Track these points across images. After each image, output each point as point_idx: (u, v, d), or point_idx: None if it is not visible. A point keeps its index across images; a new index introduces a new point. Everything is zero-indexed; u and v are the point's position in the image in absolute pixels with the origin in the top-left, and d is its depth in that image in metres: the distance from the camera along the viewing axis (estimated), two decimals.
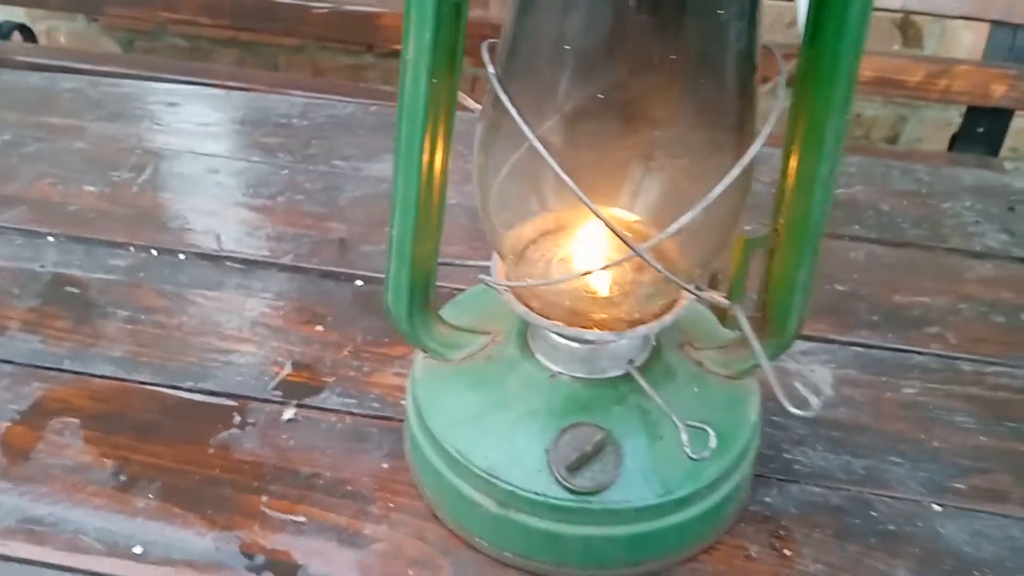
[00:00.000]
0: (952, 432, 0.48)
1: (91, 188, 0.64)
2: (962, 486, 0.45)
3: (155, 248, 0.59)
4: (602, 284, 0.40)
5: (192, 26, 1.37)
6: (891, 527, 0.43)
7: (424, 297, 0.41)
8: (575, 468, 0.38)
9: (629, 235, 0.33)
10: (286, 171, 0.66)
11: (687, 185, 0.38)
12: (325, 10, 1.27)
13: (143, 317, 0.53)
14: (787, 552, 0.42)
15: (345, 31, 1.29)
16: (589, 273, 0.37)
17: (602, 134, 0.36)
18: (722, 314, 0.42)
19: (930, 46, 1.45)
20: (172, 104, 0.74)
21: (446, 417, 0.41)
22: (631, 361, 0.41)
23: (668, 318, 0.39)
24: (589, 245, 0.41)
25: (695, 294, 0.37)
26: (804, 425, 0.48)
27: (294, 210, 0.63)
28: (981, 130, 1.22)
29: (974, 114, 1.21)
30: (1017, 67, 1.15)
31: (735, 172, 0.32)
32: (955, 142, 1.22)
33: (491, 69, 0.35)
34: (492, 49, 0.36)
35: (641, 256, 0.33)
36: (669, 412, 0.39)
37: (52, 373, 0.49)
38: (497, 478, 0.39)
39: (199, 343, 0.52)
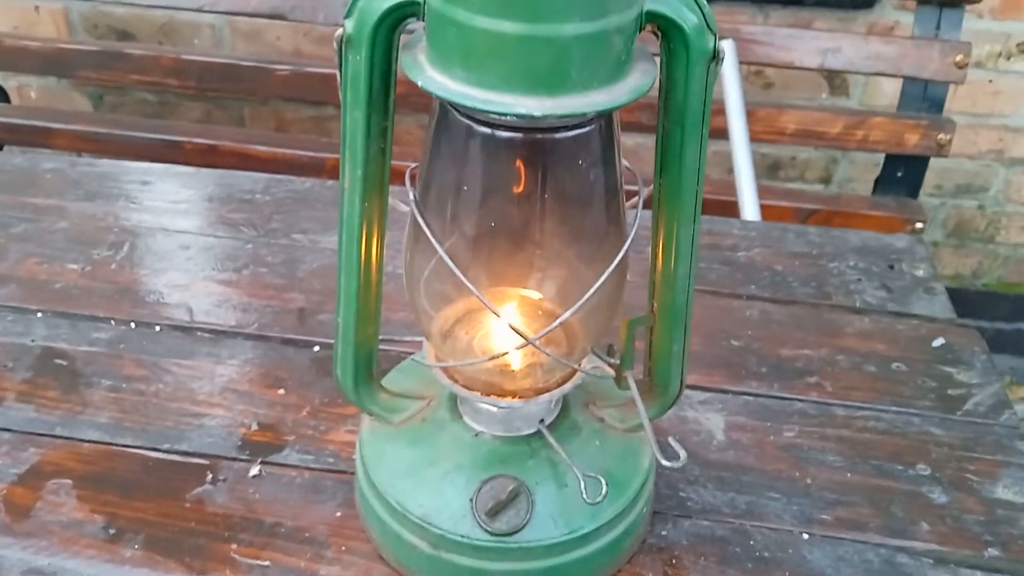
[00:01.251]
0: (822, 470, 0.57)
1: (74, 266, 0.71)
2: (828, 517, 0.54)
3: (134, 321, 0.66)
4: (514, 359, 0.48)
5: (160, 87, 1.45)
6: (766, 554, 0.52)
7: (367, 371, 0.49)
8: (493, 513, 0.46)
9: (525, 331, 0.41)
10: (250, 245, 0.74)
11: (576, 274, 0.46)
12: (287, 71, 1.35)
13: (124, 385, 0.61)
14: None
15: (306, 90, 1.37)
16: (497, 357, 0.45)
17: (501, 247, 0.45)
18: (617, 378, 0.50)
19: (855, 94, 1.56)
20: (145, 183, 0.81)
21: (387, 471, 0.49)
22: (542, 420, 0.49)
23: (567, 387, 0.47)
24: (502, 326, 0.49)
25: (583, 371, 0.46)
26: (698, 467, 0.57)
27: (258, 282, 0.70)
28: (900, 175, 1.33)
29: (892, 160, 1.31)
30: (929, 117, 1.26)
31: (600, 281, 0.41)
32: (877, 185, 1.33)
33: (412, 195, 0.43)
34: (413, 175, 0.44)
35: (534, 345, 0.41)
36: (571, 464, 0.47)
37: (46, 439, 0.56)
38: (430, 524, 0.47)
39: (175, 408, 0.59)
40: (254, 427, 0.58)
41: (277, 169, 1.13)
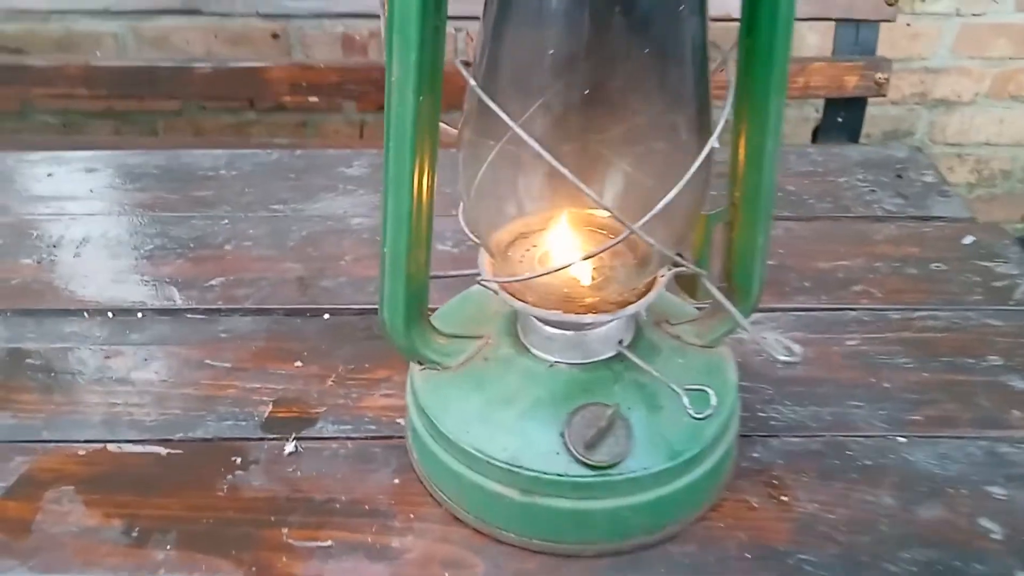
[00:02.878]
0: (896, 372, 0.54)
1: (28, 260, 0.62)
2: (918, 417, 0.51)
3: (110, 311, 0.58)
4: (585, 273, 0.43)
5: (68, 99, 1.33)
6: (867, 462, 0.48)
7: (419, 309, 0.43)
8: (592, 445, 0.41)
9: (621, 216, 0.36)
10: (226, 221, 0.66)
11: (650, 177, 0.41)
12: (207, 69, 1.26)
13: (113, 378, 0.53)
14: (784, 498, 0.46)
15: (229, 87, 1.28)
16: (590, 257, 0.39)
17: (574, 132, 0.39)
18: (691, 289, 0.45)
19: None
20: (91, 170, 0.72)
21: (457, 419, 0.43)
22: (620, 341, 0.44)
23: (652, 295, 0.42)
24: (566, 240, 0.44)
25: (681, 262, 0.41)
26: (770, 385, 0.53)
27: (244, 256, 0.63)
28: (840, 120, 1.33)
29: (832, 106, 1.31)
30: (864, 59, 1.26)
31: (706, 150, 0.36)
32: (817, 134, 1.33)
33: (471, 81, 0.38)
34: (467, 65, 0.39)
35: (636, 232, 0.36)
36: (667, 381, 0.42)
37: (33, 445, 0.48)
38: (519, 467, 0.41)
39: (178, 395, 0.52)
40: (275, 404, 0.51)
41: None
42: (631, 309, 0.42)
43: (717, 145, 0.36)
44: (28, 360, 0.54)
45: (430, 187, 0.40)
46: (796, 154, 0.76)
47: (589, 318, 0.41)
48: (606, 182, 0.42)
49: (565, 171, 0.35)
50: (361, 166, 0.74)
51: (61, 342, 0.55)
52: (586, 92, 0.37)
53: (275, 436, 0.49)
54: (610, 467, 0.41)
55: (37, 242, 0.64)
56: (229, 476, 0.46)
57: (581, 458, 0.40)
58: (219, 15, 1.32)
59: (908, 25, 1.57)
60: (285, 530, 0.43)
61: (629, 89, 0.37)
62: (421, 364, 0.45)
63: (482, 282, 0.42)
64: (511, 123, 0.35)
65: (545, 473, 0.41)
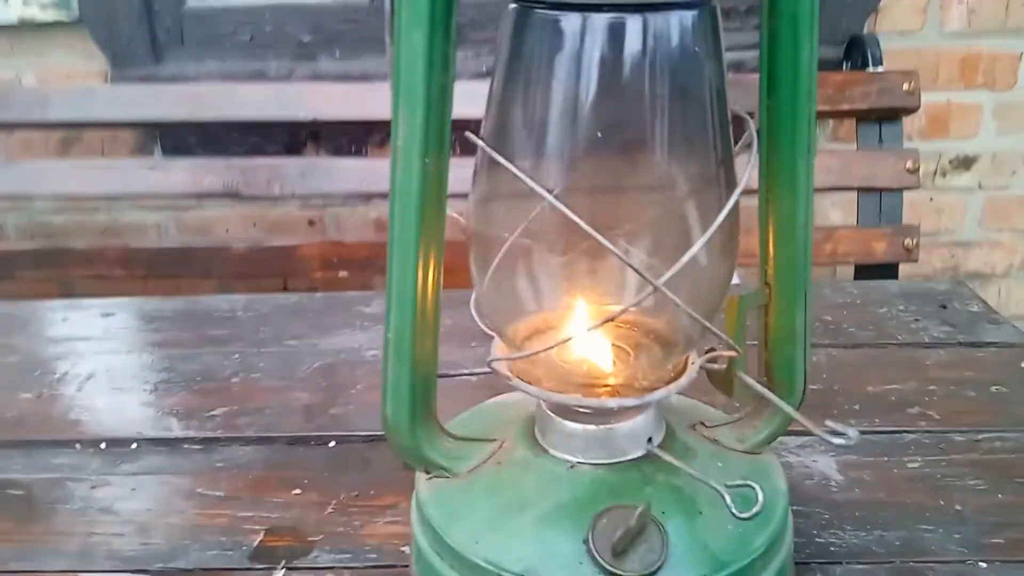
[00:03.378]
0: (969, 496, 0.47)
1: (27, 395, 0.59)
2: (1000, 541, 0.44)
3: (104, 441, 0.54)
4: (605, 355, 0.39)
5: (105, 280, 1.36)
6: None
7: (426, 403, 0.39)
8: (621, 552, 0.35)
9: (643, 272, 0.33)
10: (237, 355, 0.64)
11: (673, 241, 0.38)
12: (243, 248, 1.29)
13: (95, 508, 0.48)
14: None
15: (263, 265, 1.30)
16: (606, 322, 0.35)
17: (590, 198, 0.37)
18: (726, 386, 0.41)
19: None
20: (107, 315, 0.71)
21: (465, 530, 0.38)
22: (650, 440, 0.39)
23: (683, 380, 0.38)
24: (587, 330, 0.40)
25: (711, 328, 0.36)
26: (825, 509, 0.46)
27: (251, 387, 0.60)
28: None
29: (862, 274, 1.29)
30: (891, 225, 1.26)
31: (733, 198, 0.34)
32: None
33: (481, 145, 0.36)
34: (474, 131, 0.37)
35: (659, 288, 0.32)
36: (705, 480, 0.37)
37: None
38: None
39: (161, 525, 0.47)
40: (267, 533, 0.46)
41: None
42: (659, 393, 0.37)
43: (739, 193, 0.34)
44: (9, 491, 0.50)
45: (438, 264, 0.37)
46: (831, 288, 0.73)
47: (612, 402, 0.37)
48: (627, 250, 0.39)
49: (582, 222, 0.32)
50: (380, 304, 0.71)
51: (48, 473, 0.51)
52: (601, 152, 0.35)
53: (263, 567, 0.43)
54: (642, 574, 0.35)
55: (41, 378, 0.61)
56: None
57: (609, 567, 0.35)
58: (258, 198, 1.37)
59: (931, 200, 1.58)
60: None
61: (647, 147, 0.35)
62: (428, 472, 0.41)
63: (492, 362, 0.38)
64: (529, 180, 0.33)
65: None
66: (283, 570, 0.43)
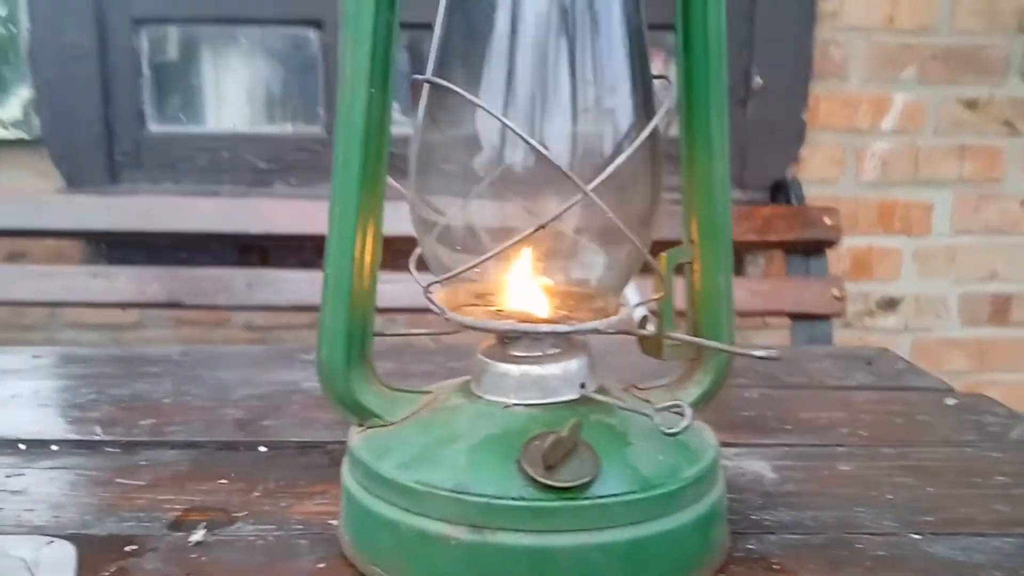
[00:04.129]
0: (899, 490, 0.48)
1: None
2: (932, 519, 0.44)
3: (21, 442, 0.52)
4: (538, 293, 0.40)
5: None
6: (881, 552, 0.41)
7: (362, 346, 0.39)
8: (552, 466, 0.35)
9: (575, 178, 0.35)
10: (170, 384, 0.63)
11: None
12: None
13: (5, 490, 0.46)
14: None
15: None
16: (535, 230, 0.36)
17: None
18: (655, 348, 0.42)
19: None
20: (37, 356, 0.70)
21: (395, 461, 0.37)
22: (583, 385, 0.40)
23: (614, 318, 0.39)
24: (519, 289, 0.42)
25: (640, 247, 0.38)
26: (760, 497, 0.46)
27: (183, 405, 0.58)
28: None
29: None
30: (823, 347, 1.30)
31: (653, 122, 0.37)
32: None
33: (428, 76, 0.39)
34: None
35: (588, 194, 0.34)
36: (635, 408, 0.37)
37: None
38: (467, 493, 0.34)
39: (75, 504, 0.44)
40: (188, 511, 0.44)
41: None
42: (591, 324, 0.38)
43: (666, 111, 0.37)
44: None
45: (379, 203, 0.39)
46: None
47: (544, 327, 0.38)
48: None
49: (516, 129, 0.35)
50: None
51: None
52: (530, 81, 0.38)
53: (180, 531, 0.41)
54: (576, 489, 0.34)
55: None
56: (120, 561, 0.38)
57: (540, 479, 0.34)
58: (201, 309, 1.36)
59: (860, 339, 1.64)
60: None
61: (574, 73, 0.38)
62: (361, 423, 0.40)
63: (427, 290, 0.39)
64: (467, 94, 0.36)
65: (499, 499, 0.34)
66: (203, 530, 0.41)
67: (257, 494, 0.46)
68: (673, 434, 0.35)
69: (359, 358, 0.39)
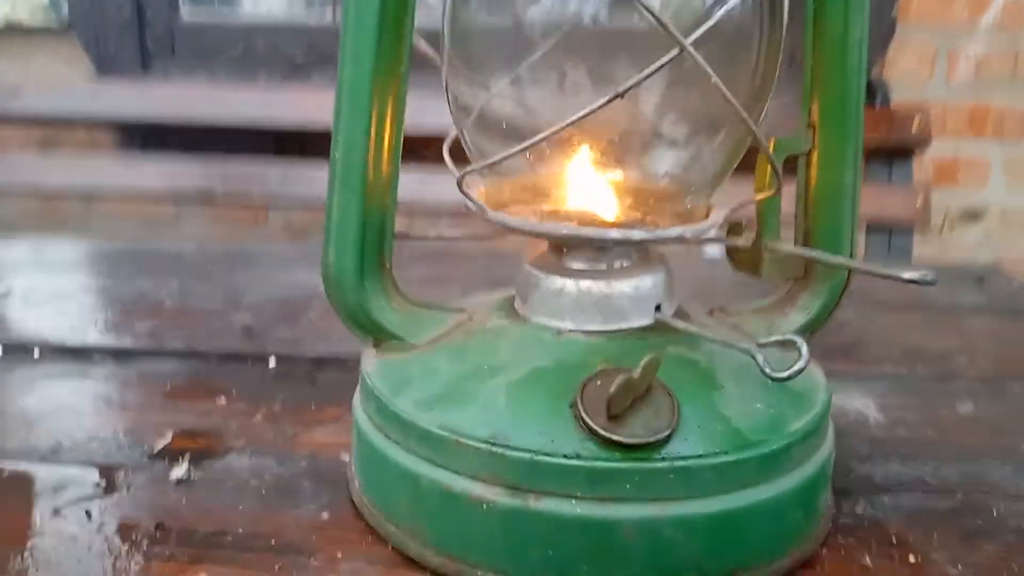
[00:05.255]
0: None
1: None
2: None
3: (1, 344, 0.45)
4: (606, 189, 0.31)
5: None
6: (1020, 525, 0.32)
7: (379, 249, 0.31)
8: (617, 415, 0.26)
9: (671, 28, 0.25)
10: (176, 282, 0.55)
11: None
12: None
13: None
14: (912, 559, 0.30)
15: None
16: (611, 99, 0.27)
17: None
18: (753, 264, 0.33)
19: None
20: (38, 250, 0.63)
21: (416, 398, 0.29)
22: (658, 307, 0.31)
23: (707, 223, 0.30)
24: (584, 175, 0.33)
25: (750, 123, 0.28)
26: (866, 444, 0.38)
27: (186, 307, 0.51)
28: None
29: None
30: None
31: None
32: None
33: None
34: None
35: (687, 49, 0.25)
36: (730, 341, 0.28)
37: None
38: (506, 447, 0.26)
39: (51, 423, 0.38)
40: (177, 436, 0.37)
41: None
42: (675, 230, 0.29)
43: None
44: None
45: (402, 62, 0.30)
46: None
47: (615, 233, 0.29)
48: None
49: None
50: None
51: None
52: None
53: (162, 467, 0.34)
54: (648, 447, 0.26)
55: None
56: (83, 503, 0.31)
57: (603, 432, 0.26)
58: (234, 200, 1.29)
59: (938, 254, 1.52)
60: (137, 562, 0.28)
61: None
62: (376, 343, 0.32)
63: (461, 181, 0.30)
64: None
65: (546, 455, 0.26)
66: (187, 465, 0.34)
67: (259, 418, 0.38)
68: (783, 379, 0.26)
69: (375, 265, 0.31)
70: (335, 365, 0.44)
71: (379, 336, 0.32)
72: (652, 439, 0.26)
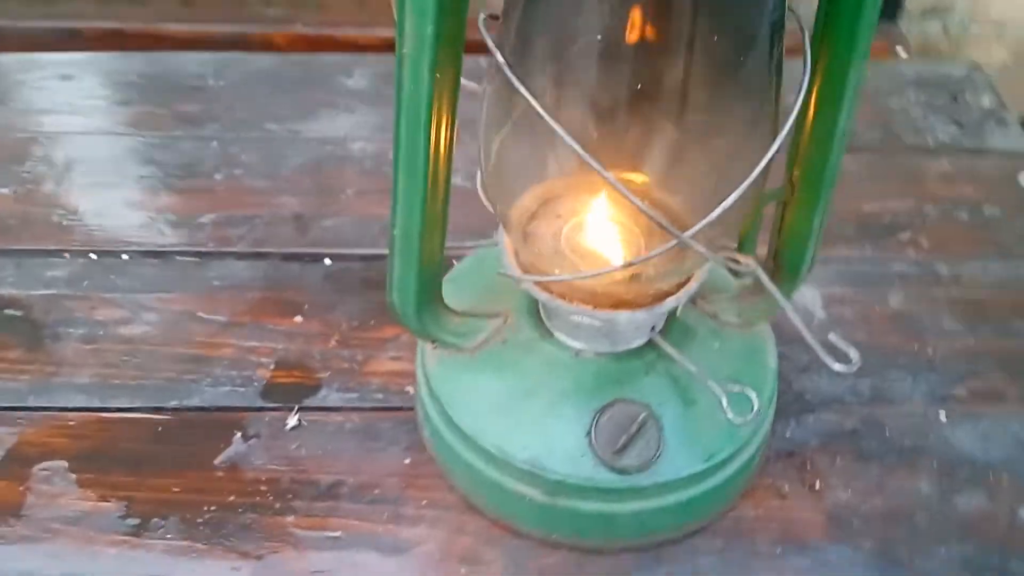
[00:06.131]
0: (942, 339, 0.50)
1: (4, 191, 0.57)
2: (962, 392, 0.47)
3: (93, 251, 0.53)
4: (615, 242, 0.39)
5: None
6: (906, 442, 0.45)
7: (433, 292, 0.39)
8: (621, 449, 0.37)
9: (669, 223, 0.31)
10: (215, 143, 0.61)
11: (698, 143, 0.36)
12: None
13: (101, 333, 0.49)
14: (817, 486, 0.43)
15: None
16: (629, 266, 0.35)
17: (612, 113, 0.34)
18: (734, 266, 0.41)
19: None
20: (67, 77, 0.66)
21: (473, 411, 0.40)
22: (653, 328, 0.40)
23: (693, 285, 0.38)
24: (598, 214, 0.39)
25: (734, 267, 0.36)
26: (806, 352, 0.49)
27: (236, 187, 0.58)
28: None
29: None
30: None
31: (774, 148, 0.31)
32: None
33: (490, 43, 0.32)
34: (494, 19, 0.33)
35: (687, 242, 0.31)
36: (705, 379, 0.38)
37: (20, 414, 0.45)
38: (542, 469, 0.38)
39: (170, 354, 0.48)
40: (276, 367, 0.47)
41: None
42: (668, 303, 0.37)
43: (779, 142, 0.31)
44: (8, 311, 0.50)
45: (447, 165, 0.35)
46: None
47: (623, 315, 0.37)
48: (643, 148, 0.37)
49: (598, 166, 0.30)
50: (362, 76, 0.67)
51: (44, 288, 0.51)
52: (631, 70, 0.32)
53: (276, 406, 0.46)
54: (640, 471, 0.38)
55: (11, 168, 0.58)
56: (229, 451, 0.44)
57: (608, 464, 0.37)
58: None
59: None
60: (291, 518, 0.41)
61: (684, 71, 0.32)
62: (434, 344, 0.42)
63: (504, 274, 0.38)
64: (538, 107, 0.30)
65: (569, 477, 0.38)
66: (297, 414, 0.45)
67: (334, 344, 0.49)
68: (741, 424, 0.37)
69: (430, 301, 0.39)
70: (379, 262, 0.53)
71: (437, 343, 0.41)
72: (642, 467, 0.38)
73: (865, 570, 0.40)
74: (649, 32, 0.31)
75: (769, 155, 0.31)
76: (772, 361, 0.43)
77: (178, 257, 0.53)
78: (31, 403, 0.46)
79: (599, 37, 0.32)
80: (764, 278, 0.38)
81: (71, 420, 0.45)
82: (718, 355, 0.41)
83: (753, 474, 0.43)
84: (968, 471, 0.44)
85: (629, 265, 0.34)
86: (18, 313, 0.50)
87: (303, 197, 0.57)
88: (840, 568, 0.40)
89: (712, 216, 0.31)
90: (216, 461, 0.43)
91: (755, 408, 0.37)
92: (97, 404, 0.46)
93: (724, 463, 0.39)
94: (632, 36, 0.31)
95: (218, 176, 0.58)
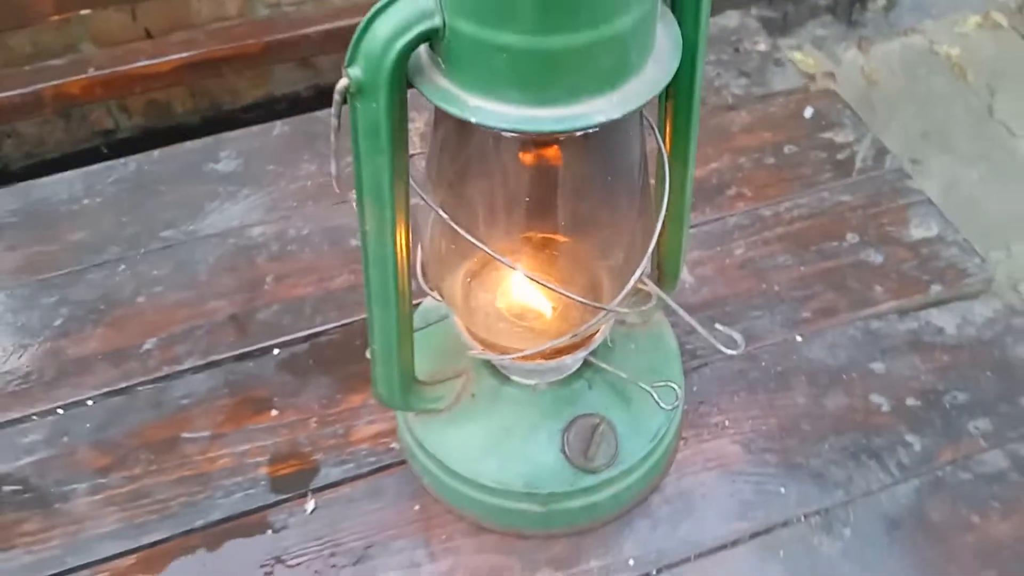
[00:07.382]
0: (780, 273, 0.63)
1: None
2: (808, 314, 0.61)
3: (59, 407, 0.57)
4: (545, 308, 0.48)
5: None
6: (778, 368, 0.58)
7: (410, 379, 0.47)
8: (590, 456, 0.48)
9: (588, 301, 0.41)
10: (123, 266, 0.64)
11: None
12: None
13: (103, 480, 0.54)
14: (727, 423, 0.56)
15: None
16: (564, 351, 0.44)
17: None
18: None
19: None
20: None
21: (467, 457, 0.49)
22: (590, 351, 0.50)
23: (606, 330, 0.48)
24: (520, 282, 0.48)
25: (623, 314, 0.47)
26: (689, 310, 0.61)
27: (162, 305, 0.62)
28: None
29: None
30: None
31: (657, 230, 0.41)
32: None
33: (413, 184, 0.40)
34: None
35: (614, 311, 0.41)
36: (635, 382, 0.49)
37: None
38: (537, 490, 0.48)
39: (175, 480, 0.54)
40: (272, 462, 0.55)
41: None
42: (598, 339, 0.48)
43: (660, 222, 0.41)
44: (6, 487, 0.54)
45: (409, 296, 0.43)
46: None
47: (569, 360, 0.47)
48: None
49: (521, 269, 0.39)
50: (230, 157, 0.71)
51: (27, 455, 0.55)
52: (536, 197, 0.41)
53: (289, 495, 0.53)
54: (608, 467, 0.49)
55: None
56: (266, 548, 0.51)
57: (585, 469, 0.48)
58: None
59: None
60: None
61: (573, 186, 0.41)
62: (416, 412, 0.50)
63: (473, 355, 0.47)
64: (456, 227, 0.39)
65: (559, 489, 0.48)
66: (312, 499, 0.53)
67: (314, 425, 0.56)
68: (670, 410, 0.48)
69: (408, 386, 0.48)
70: (320, 338, 0.60)
71: (417, 412, 0.50)
72: (610, 462, 0.49)
73: (776, 479, 0.54)
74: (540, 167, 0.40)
75: (654, 240, 0.41)
76: (673, 343, 0.54)
77: (139, 388, 0.58)
78: (71, 564, 0.51)
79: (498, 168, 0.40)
80: (657, 291, 0.49)
81: (115, 566, 0.51)
82: (635, 355, 0.52)
83: (680, 431, 0.55)
84: (827, 377, 0.58)
85: (574, 336, 0.44)
86: (17, 487, 0.54)
87: (230, 297, 0.63)
88: (761, 482, 0.53)
89: (628, 288, 0.41)
90: (260, 562, 0.51)
91: (678, 395, 0.49)
92: (132, 545, 0.51)
93: (664, 436, 0.51)
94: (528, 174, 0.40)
95: (140, 299, 0.63)
